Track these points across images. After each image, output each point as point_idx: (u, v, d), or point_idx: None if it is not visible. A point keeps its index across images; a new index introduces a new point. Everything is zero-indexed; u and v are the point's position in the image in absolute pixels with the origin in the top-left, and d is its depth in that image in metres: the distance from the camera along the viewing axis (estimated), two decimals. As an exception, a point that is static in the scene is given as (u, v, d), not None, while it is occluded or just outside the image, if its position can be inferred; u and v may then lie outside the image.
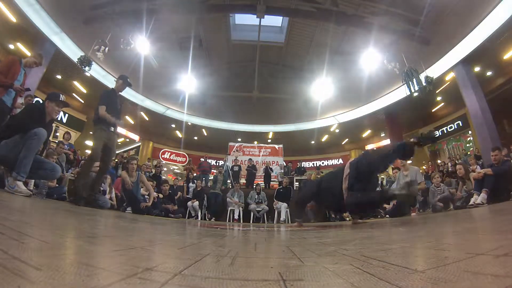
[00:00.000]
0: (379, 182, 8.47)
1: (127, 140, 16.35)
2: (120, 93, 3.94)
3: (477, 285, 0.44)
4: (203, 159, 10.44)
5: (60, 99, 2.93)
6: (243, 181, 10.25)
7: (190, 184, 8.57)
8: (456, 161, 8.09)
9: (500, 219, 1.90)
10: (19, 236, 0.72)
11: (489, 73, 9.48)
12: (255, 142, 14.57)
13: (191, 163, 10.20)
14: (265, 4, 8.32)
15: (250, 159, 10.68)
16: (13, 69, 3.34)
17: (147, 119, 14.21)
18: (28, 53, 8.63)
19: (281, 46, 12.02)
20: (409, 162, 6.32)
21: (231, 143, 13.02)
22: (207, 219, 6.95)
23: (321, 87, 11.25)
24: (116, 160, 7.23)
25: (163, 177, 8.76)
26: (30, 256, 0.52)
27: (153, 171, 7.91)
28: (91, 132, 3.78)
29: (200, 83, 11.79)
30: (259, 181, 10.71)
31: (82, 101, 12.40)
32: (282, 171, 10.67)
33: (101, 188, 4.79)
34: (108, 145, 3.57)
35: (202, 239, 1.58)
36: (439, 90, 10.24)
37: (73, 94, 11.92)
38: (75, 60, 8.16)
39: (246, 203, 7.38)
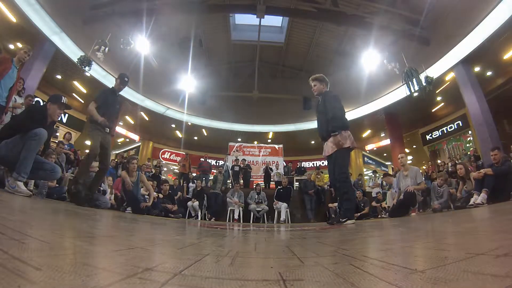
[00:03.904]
0: (380, 182, 8.47)
1: (127, 140, 16.35)
2: (119, 92, 3.92)
3: (477, 285, 0.44)
4: (203, 159, 10.43)
5: (62, 101, 2.92)
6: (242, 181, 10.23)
7: (190, 184, 8.57)
8: (456, 161, 8.09)
9: (500, 219, 1.90)
10: (19, 236, 0.72)
11: (489, 73, 9.48)
12: (255, 142, 14.56)
13: (188, 158, 9.97)
14: (265, 4, 8.32)
15: (243, 159, 10.68)
16: (2, 66, 3.34)
17: (147, 119, 14.21)
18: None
19: (281, 46, 12.04)
20: (409, 162, 6.33)
21: (231, 143, 13.00)
22: (207, 219, 6.95)
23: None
24: (116, 160, 7.22)
25: (162, 177, 8.77)
26: (30, 256, 0.52)
27: (153, 171, 7.91)
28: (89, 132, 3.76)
29: (200, 83, 11.79)
30: (259, 181, 10.70)
31: (82, 101, 12.39)
32: (279, 171, 10.66)
33: (101, 188, 4.80)
34: (104, 145, 3.55)
35: (202, 239, 1.58)
36: (439, 90, 10.23)
37: (73, 94, 11.92)
38: (75, 60, 8.16)
39: (246, 203, 7.38)
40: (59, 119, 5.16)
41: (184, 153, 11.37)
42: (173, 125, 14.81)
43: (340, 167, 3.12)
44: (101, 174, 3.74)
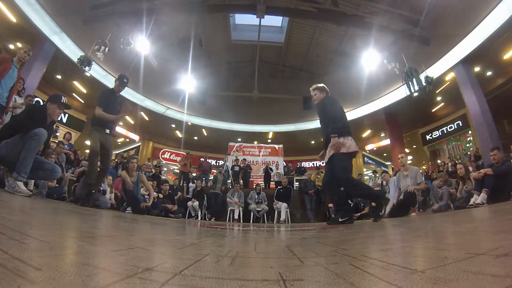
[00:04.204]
0: (380, 182, 8.47)
1: (127, 140, 16.35)
2: (119, 93, 3.92)
3: (477, 285, 0.44)
4: (203, 159, 10.43)
5: (62, 101, 2.93)
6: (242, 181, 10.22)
7: (190, 184, 8.56)
8: (456, 161, 8.09)
9: (500, 219, 1.90)
10: (19, 236, 0.72)
11: (489, 73, 9.48)
12: (255, 142, 14.56)
13: (189, 157, 9.71)
14: (265, 4, 8.31)
15: (244, 159, 10.68)
16: (2, 66, 3.35)
17: (147, 119, 14.21)
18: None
19: (281, 46, 12.02)
20: (409, 162, 6.33)
21: (231, 143, 13.01)
22: (207, 219, 6.95)
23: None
24: (116, 160, 7.22)
25: (163, 177, 8.76)
26: (30, 256, 0.52)
27: (153, 171, 7.91)
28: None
29: (200, 83, 11.78)
30: (259, 181, 10.70)
31: (82, 101, 12.40)
32: (279, 171, 10.67)
33: (101, 188, 4.80)
34: (105, 146, 3.57)
35: (202, 239, 1.59)
36: (439, 90, 10.23)
37: (73, 94, 11.92)
38: (75, 60, 8.15)
39: (246, 203, 7.38)
40: (58, 119, 5.17)
41: (184, 153, 11.27)
42: (173, 125, 14.81)
43: (341, 172, 3.02)
44: (102, 174, 3.76)
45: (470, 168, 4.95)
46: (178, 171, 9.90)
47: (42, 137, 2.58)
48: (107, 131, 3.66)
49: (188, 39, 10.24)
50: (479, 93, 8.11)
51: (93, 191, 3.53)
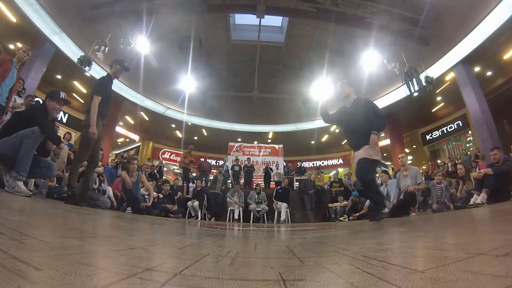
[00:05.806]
0: (380, 182, 8.46)
1: (127, 140, 16.35)
2: (115, 79, 3.63)
3: (477, 285, 0.44)
4: (203, 159, 10.42)
5: (60, 96, 2.93)
6: (243, 181, 10.22)
7: (190, 184, 8.57)
8: (456, 161, 8.09)
9: (500, 219, 1.90)
10: (19, 236, 0.72)
11: (489, 73, 9.48)
12: (255, 142, 14.56)
13: (191, 153, 9.15)
14: (265, 4, 8.32)
15: (248, 158, 10.67)
16: (3, 67, 3.34)
17: (147, 119, 14.21)
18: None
19: (281, 46, 12.03)
20: (409, 162, 6.33)
21: (231, 143, 13.01)
22: (207, 219, 6.95)
23: (321, 87, 11.24)
24: (116, 160, 7.22)
25: (163, 177, 8.74)
26: (30, 256, 0.52)
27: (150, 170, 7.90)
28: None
29: (200, 83, 11.78)
30: (259, 181, 10.71)
31: (82, 101, 12.39)
32: (279, 171, 10.67)
33: (101, 188, 4.80)
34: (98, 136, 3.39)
35: (202, 239, 1.59)
36: (439, 90, 10.24)
37: (73, 94, 11.92)
38: (75, 60, 8.16)
39: (246, 203, 7.38)
40: (58, 116, 5.10)
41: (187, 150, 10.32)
42: (173, 125, 14.81)
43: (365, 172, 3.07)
44: (93, 167, 3.58)
45: (480, 165, 4.93)
46: (182, 167, 9.22)
47: (39, 135, 2.57)
48: (104, 121, 3.50)
49: (188, 39, 10.24)
50: (479, 93, 8.11)
51: (80, 192, 3.31)
